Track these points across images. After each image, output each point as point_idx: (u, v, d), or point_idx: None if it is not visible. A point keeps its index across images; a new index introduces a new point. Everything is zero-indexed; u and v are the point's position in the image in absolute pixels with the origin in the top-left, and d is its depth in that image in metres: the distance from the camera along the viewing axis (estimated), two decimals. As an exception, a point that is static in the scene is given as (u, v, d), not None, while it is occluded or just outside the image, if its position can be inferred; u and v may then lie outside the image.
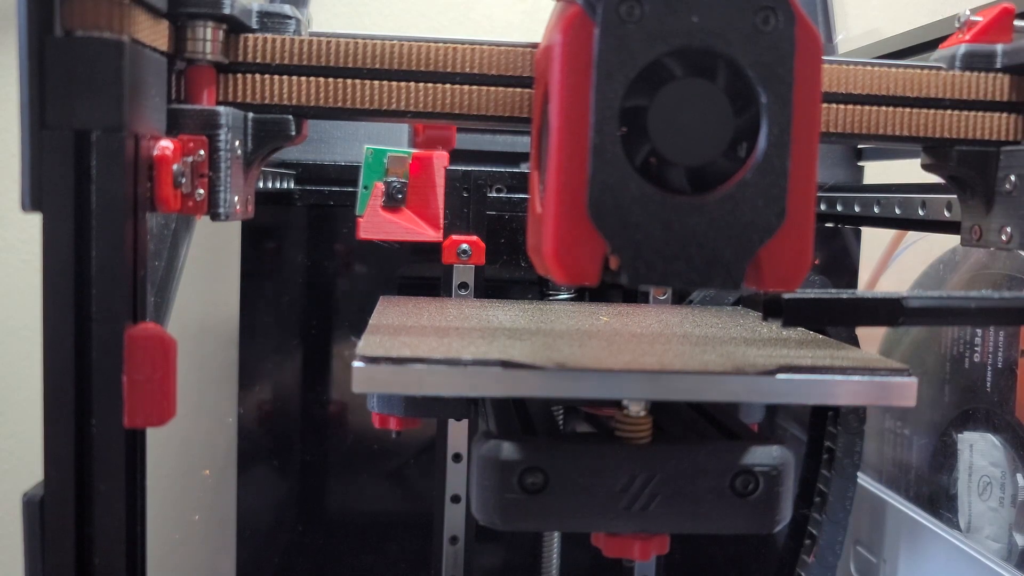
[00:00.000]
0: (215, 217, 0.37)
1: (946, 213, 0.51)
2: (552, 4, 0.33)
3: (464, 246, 0.54)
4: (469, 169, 0.55)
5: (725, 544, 0.68)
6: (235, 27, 0.37)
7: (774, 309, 0.35)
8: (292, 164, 0.64)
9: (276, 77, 0.38)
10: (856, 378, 0.35)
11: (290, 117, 0.38)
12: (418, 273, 0.64)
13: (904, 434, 0.68)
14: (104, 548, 0.31)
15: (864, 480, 0.67)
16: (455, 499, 0.57)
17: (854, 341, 0.52)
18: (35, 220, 0.29)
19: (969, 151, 0.42)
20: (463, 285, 0.55)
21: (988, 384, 0.60)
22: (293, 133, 0.39)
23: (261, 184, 0.57)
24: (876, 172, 0.72)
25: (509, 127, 0.40)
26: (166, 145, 0.33)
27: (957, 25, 0.43)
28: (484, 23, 0.86)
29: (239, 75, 0.38)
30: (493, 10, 0.87)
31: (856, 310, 0.36)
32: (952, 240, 0.64)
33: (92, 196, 0.30)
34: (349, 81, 0.38)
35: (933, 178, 0.45)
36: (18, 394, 0.83)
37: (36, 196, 0.30)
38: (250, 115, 0.38)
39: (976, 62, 0.41)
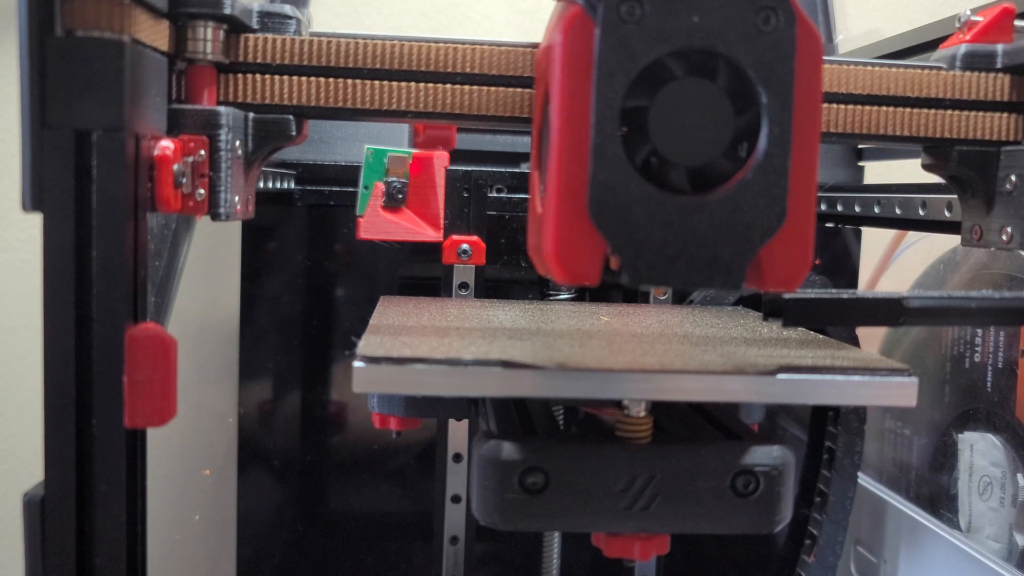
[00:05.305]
0: (215, 217, 0.37)
1: (946, 213, 0.51)
2: (552, 4, 0.33)
3: (464, 246, 0.54)
4: (469, 169, 0.55)
5: (725, 544, 0.68)
6: (235, 27, 0.37)
7: (774, 309, 0.35)
8: (292, 164, 0.64)
9: (276, 77, 0.38)
10: (856, 378, 0.35)
11: (290, 117, 0.38)
12: (418, 273, 0.64)
13: (904, 434, 0.68)
14: (104, 548, 0.31)
15: (864, 480, 0.67)
16: (455, 499, 0.57)
17: (854, 341, 0.52)
18: (35, 220, 0.29)
19: (969, 151, 0.42)
20: (463, 285, 0.55)
21: (988, 384, 0.60)
22: (293, 133, 0.39)
23: (261, 184, 0.57)
24: (876, 172, 0.72)
25: (509, 127, 0.40)
26: (167, 145, 0.33)
27: (957, 25, 0.43)
28: (484, 23, 0.86)
29: (239, 75, 0.38)
30: (493, 10, 0.87)
31: (856, 310, 0.36)
32: (952, 240, 0.64)
33: (92, 196, 0.30)
34: (349, 81, 0.38)
35: (933, 178, 0.45)
36: (18, 394, 0.83)
37: (37, 196, 0.30)
38: (250, 115, 0.38)
39: (976, 62, 0.41)
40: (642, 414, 0.36)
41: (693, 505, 0.35)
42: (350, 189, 0.63)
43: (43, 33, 0.29)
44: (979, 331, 0.61)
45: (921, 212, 0.54)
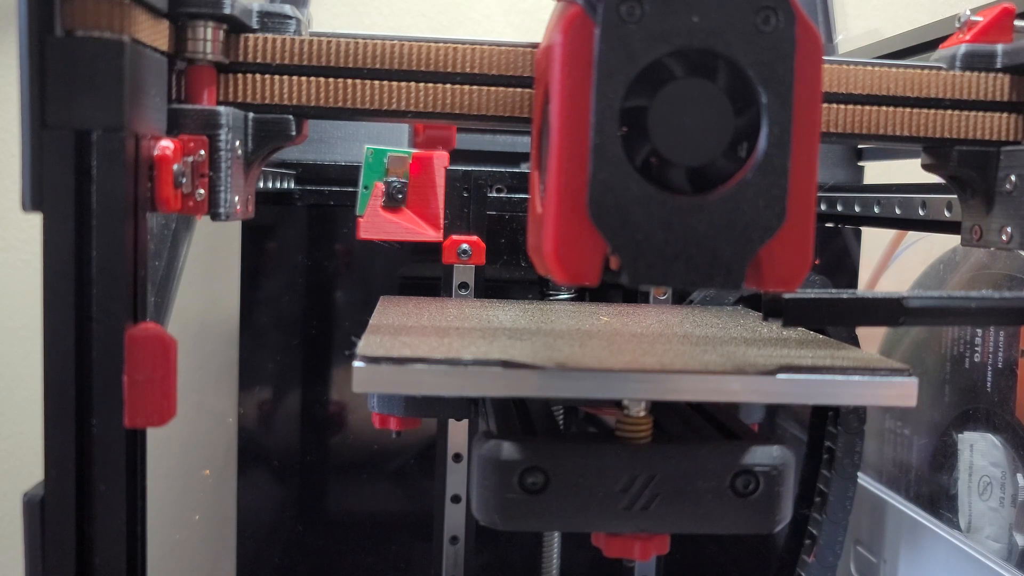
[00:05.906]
0: (215, 217, 0.37)
1: (946, 213, 0.51)
2: (552, 4, 0.33)
3: (464, 246, 0.54)
4: (469, 169, 0.55)
5: (725, 544, 0.68)
6: (235, 27, 0.37)
7: (774, 309, 0.35)
8: (292, 164, 0.64)
9: (276, 77, 0.38)
10: (856, 378, 0.35)
11: (290, 117, 0.38)
12: (418, 273, 0.64)
13: (904, 434, 0.68)
14: (104, 548, 0.31)
15: (864, 480, 0.67)
16: (455, 499, 0.57)
17: (854, 341, 0.52)
18: (35, 220, 0.29)
19: (969, 151, 0.42)
20: (463, 285, 0.55)
21: (988, 384, 0.60)
22: (293, 133, 0.39)
23: (261, 184, 0.57)
24: (876, 172, 0.72)
25: (509, 127, 0.40)
26: (167, 145, 0.33)
27: (957, 25, 0.43)
28: (484, 23, 0.87)
29: (239, 75, 0.38)
30: (493, 10, 0.87)
31: (856, 310, 0.36)
32: (952, 240, 0.64)
33: (92, 196, 0.30)
34: (349, 81, 0.38)
35: (933, 178, 0.45)
36: (18, 394, 0.83)
37: (36, 196, 0.30)
38: (250, 115, 0.38)
39: (976, 62, 0.41)
40: (642, 414, 0.36)
41: (693, 505, 0.35)
42: (350, 189, 0.63)
43: (43, 33, 0.29)
44: (979, 331, 0.61)
45: (921, 212, 0.54)
